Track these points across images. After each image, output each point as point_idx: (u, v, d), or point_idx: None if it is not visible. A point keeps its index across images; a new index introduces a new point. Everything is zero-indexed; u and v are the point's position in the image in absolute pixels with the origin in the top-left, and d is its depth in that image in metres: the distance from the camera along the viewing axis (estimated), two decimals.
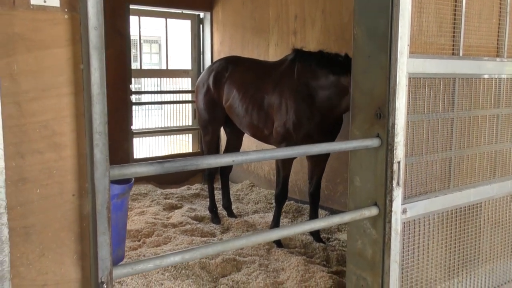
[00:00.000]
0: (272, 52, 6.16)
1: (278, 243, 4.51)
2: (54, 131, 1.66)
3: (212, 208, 5.41)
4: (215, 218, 5.32)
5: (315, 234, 4.74)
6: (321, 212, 5.66)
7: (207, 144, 5.34)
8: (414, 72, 2.74)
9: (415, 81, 2.77)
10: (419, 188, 2.91)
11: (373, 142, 2.69)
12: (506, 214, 3.48)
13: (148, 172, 1.91)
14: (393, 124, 2.67)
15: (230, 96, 4.89)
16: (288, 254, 4.20)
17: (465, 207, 3.18)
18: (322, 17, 5.48)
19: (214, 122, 5.25)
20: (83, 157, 1.72)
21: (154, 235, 4.63)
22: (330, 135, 4.43)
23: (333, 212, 5.59)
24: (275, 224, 4.63)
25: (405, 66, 2.67)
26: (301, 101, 4.36)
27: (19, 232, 1.62)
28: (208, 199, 6.21)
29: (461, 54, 3.00)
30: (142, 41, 7.30)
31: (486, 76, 3.17)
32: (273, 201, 6.14)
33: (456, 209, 3.12)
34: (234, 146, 5.59)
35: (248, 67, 5.00)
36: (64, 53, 1.66)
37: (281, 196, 4.57)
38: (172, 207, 5.84)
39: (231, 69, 5.00)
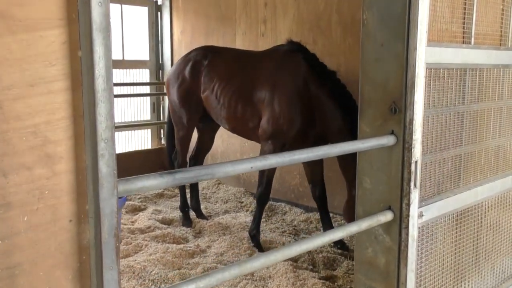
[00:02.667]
0: (240, 41, 5.80)
1: (259, 247, 4.19)
2: (46, 139, 1.26)
3: (184, 208, 5.00)
4: (187, 220, 4.92)
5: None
6: (296, 210, 5.39)
7: (181, 140, 4.87)
8: (431, 62, 2.48)
9: (430, 71, 2.51)
10: (433, 188, 2.67)
11: (389, 140, 2.42)
12: (507, 210, 3.32)
13: (158, 185, 1.54)
14: (411, 120, 2.41)
15: (209, 86, 4.48)
16: None
17: (473, 206, 2.98)
18: (295, 4, 5.17)
19: (190, 116, 4.77)
20: (83, 172, 1.34)
21: (122, 244, 4.20)
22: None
23: (308, 209, 5.34)
24: (256, 226, 4.29)
25: (424, 55, 2.41)
26: (297, 98, 4.04)
27: (2, 275, 1.23)
28: (174, 199, 5.83)
29: (472, 43, 2.78)
30: None
31: (496, 67, 2.98)
32: (243, 199, 5.82)
33: (465, 209, 2.92)
34: (206, 144, 5.15)
35: (232, 55, 4.60)
36: (57, 36, 1.26)
37: (264, 196, 4.24)
38: (135, 209, 5.40)
39: (210, 57, 4.59)
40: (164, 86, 5.20)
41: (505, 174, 3.25)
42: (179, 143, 4.91)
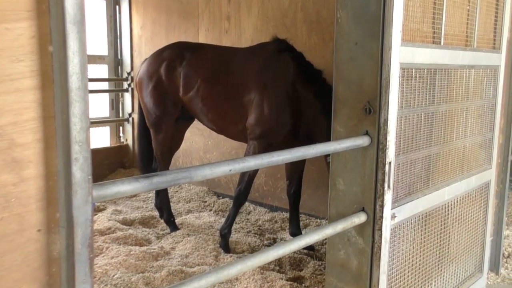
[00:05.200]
0: (203, 38, 5.68)
1: (226, 248, 4.11)
2: (13, 142, 1.15)
3: (169, 218, 4.72)
4: (175, 229, 4.66)
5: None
6: (260, 209, 5.34)
7: (160, 143, 4.60)
8: (405, 62, 2.47)
9: (404, 71, 2.49)
10: (405, 189, 2.67)
11: (364, 141, 2.39)
12: (470, 210, 3.37)
13: (134, 190, 1.44)
14: (385, 120, 2.38)
15: (192, 87, 4.29)
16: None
17: (440, 206, 3.00)
18: (260, 1, 5.10)
19: (167, 117, 4.52)
20: (53, 177, 1.23)
21: None
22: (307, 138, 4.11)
23: (273, 209, 5.29)
24: (229, 225, 4.17)
25: (398, 55, 2.39)
26: (286, 98, 3.98)
27: None
28: (134, 199, 5.65)
29: (442, 43, 2.78)
30: None
31: (463, 67, 3.00)
32: (206, 199, 5.71)
33: (434, 209, 2.93)
34: (176, 143, 4.95)
35: (213, 54, 4.41)
36: (25, 29, 1.15)
37: (243, 196, 4.11)
38: (94, 210, 5.20)
39: (189, 56, 4.39)
40: (135, 87, 4.91)
41: (470, 174, 3.29)
42: (160, 147, 4.62)
